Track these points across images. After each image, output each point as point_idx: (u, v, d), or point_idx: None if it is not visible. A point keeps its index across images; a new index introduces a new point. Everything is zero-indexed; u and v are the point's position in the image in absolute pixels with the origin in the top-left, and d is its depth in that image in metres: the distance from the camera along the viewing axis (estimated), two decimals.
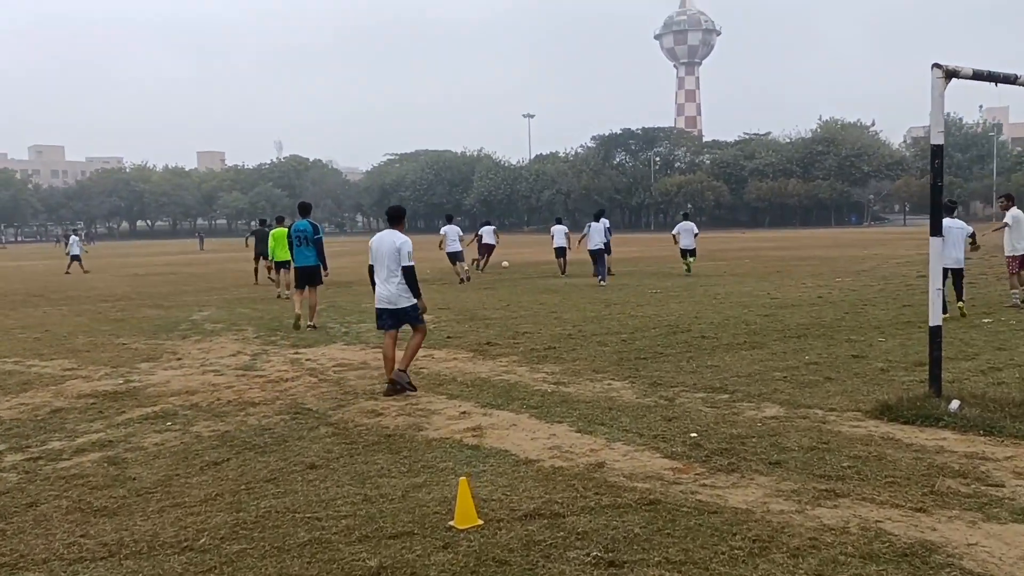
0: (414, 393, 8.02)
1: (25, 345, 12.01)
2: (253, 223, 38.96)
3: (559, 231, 25.47)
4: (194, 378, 9.17)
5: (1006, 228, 13.53)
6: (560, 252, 24.96)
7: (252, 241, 24.06)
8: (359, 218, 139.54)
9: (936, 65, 6.79)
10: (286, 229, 17.39)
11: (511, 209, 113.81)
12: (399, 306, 8.11)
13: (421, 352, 10.28)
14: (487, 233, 27.35)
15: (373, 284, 8.32)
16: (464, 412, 7.25)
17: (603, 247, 21.18)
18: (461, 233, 24.46)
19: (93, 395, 8.33)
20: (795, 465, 5.52)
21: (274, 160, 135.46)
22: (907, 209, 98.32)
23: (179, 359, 10.53)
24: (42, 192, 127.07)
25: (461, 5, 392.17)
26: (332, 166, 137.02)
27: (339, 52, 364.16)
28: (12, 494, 5.33)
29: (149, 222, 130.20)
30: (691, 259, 23.46)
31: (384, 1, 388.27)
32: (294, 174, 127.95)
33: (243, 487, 5.37)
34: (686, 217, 26.80)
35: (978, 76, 7.00)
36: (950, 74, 6.79)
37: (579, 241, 22.49)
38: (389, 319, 8.21)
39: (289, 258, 17.86)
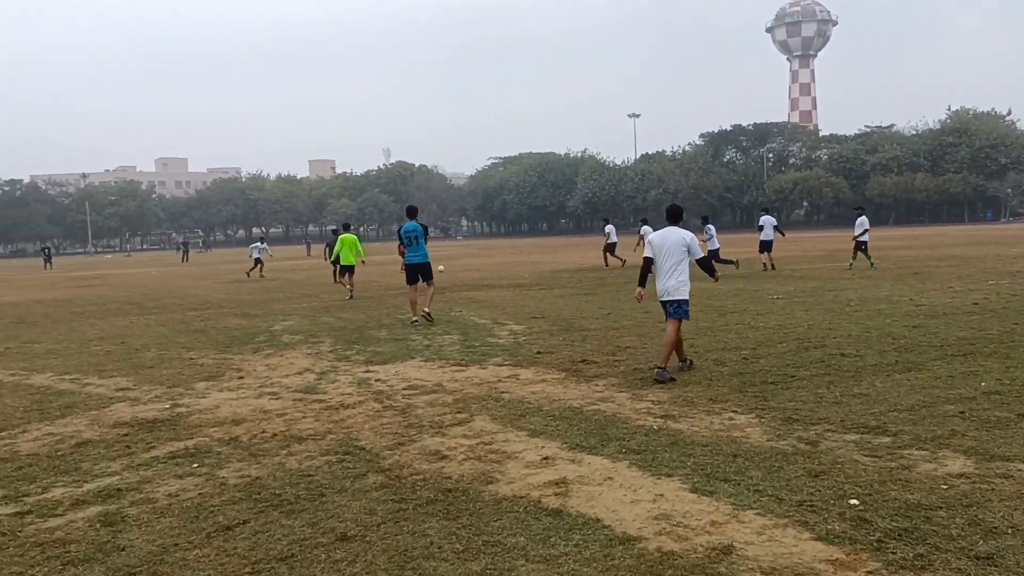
0: (489, 433, 6.63)
1: (93, 360, 11.31)
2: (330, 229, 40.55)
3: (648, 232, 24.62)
4: (247, 403, 8.07)
5: None
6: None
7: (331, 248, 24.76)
8: (463, 222, 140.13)
9: None
10: (353, 235, 19.68)
11: (616, 210, 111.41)
12: (675, 297, 8.57)
13: (504, 372, 8.95)
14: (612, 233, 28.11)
15: (643, 278, 8.84)
16: (547, 458, 5.80)
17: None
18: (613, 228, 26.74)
19: (130, 424, 7.32)
20: (1016, 561, 3.81)
21: (381, 166, 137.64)
22: None
23: (240, 377, 9.51)
24: (165, 202, 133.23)
25: (565, 15, 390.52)
26: (437, 171, 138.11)
27: (448, 63, 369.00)
28: None
29: (263, 229, 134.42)
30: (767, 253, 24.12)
31: (491, 15, 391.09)
32: (400, 180, 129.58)
33: (248, 569, 4.10)
34: (766, 211, 26.96)
35: None
36: None
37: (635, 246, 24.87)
38: (669, 309, 8.68)
39: (353, 262, 18.61)
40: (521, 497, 5.00)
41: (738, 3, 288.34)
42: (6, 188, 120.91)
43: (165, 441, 6.67)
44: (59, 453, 6.42)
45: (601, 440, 6.19)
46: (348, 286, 19.90)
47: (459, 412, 7.26)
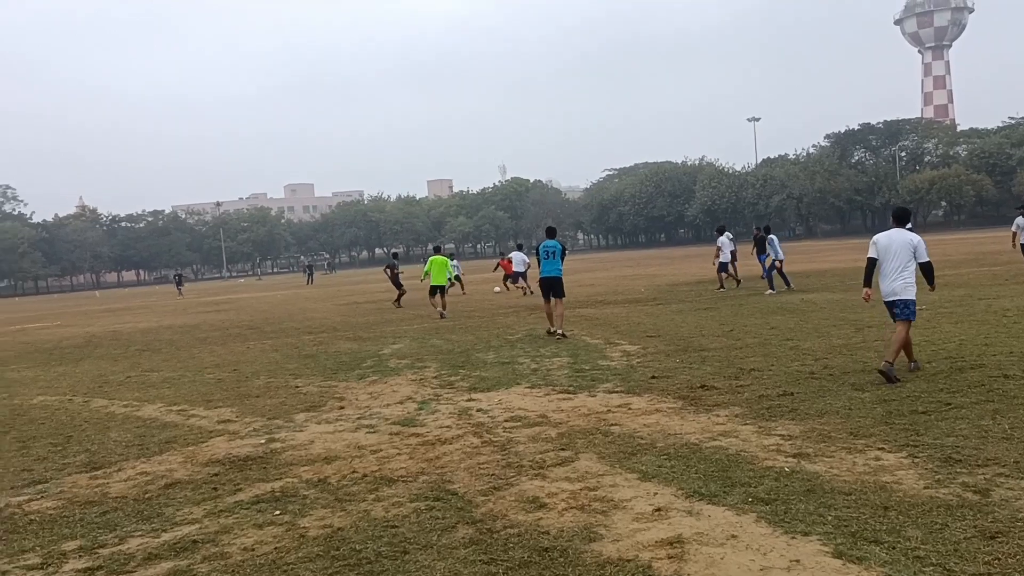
0: (595, 475, 5.94)
1: (203, 389, 11.32)
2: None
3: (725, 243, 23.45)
4: (342, 437, 7.69)
5: None
6: (722, 267, 23.38)
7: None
8: (579, 235, 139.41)
9: None
10: (444, 257, 20.38)
11: (737, 217, 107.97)
12: (902, 297, 8.62)
13: (615, 400, 8.24)
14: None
15: (867, 277, 8.98)
16: (659, 509, 5.06)
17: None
18: (731, 237, 24.01)
19: (222, 462, 7.05)
20: None
21: (497, 183, 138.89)
22: None
23: (341, 408, 9.19)
24: (293, 226, 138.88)
25: (679, 18, 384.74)
26: (552, 185, 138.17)
27: (560, 77, 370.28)
28: None
29: (385, 249, 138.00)
30: None
31: (601, 25, 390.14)
32: (515, 196, 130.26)
33: None
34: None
35: None
36: None
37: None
38: (895, 310, 8.72)
39: (443, 283, 20.01)
40: (628, 560, 4.30)
41: None
42: (150, 219, 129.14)
43: (253, 482, 6.33)
44: (146, 496, 6.18)
45: (723, 486, 5.40)
46: (439, 308, 20.00)
47: (563, 449, 6.61)
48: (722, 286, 22.73)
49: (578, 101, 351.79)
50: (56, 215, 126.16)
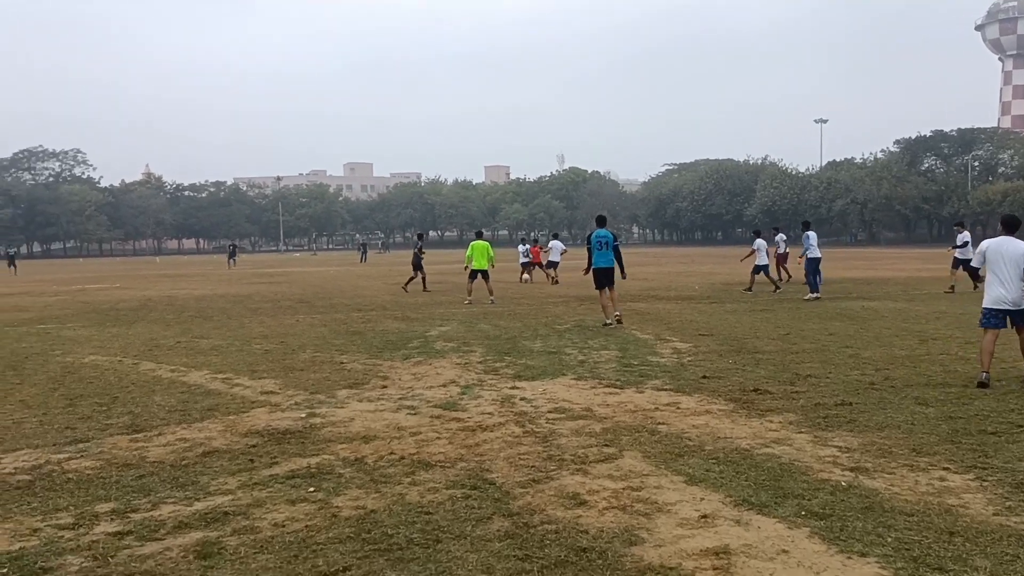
0: (639, 475, 5.71)
1: (250, 359, 11.35)
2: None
3: (761, 245, 22.87)
4: (382, 417, 7.57)
5: None
6: (759, 269, 22.68)
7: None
8: (635, 229, 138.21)
9: None
10: (485, 242, 20.46)
11: (797, 220, 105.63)
12: (1022, 307, 8.54)
13: (664, 398, 7.98)
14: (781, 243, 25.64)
15: (977, 280, 9.02)
16: (706, 516, 4.80)
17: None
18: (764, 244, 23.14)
19: (262, 433, 6.98)
20: None
21: (554, 172, 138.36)
22: None
23: (384, 387, 9.08)
24: (350, 204, 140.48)
25: (748, 15, 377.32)
26: (610, 177, 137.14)
27: (625, 68, 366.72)
28: None
29: (440, 232, 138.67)
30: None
31: (670, 18, 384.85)
32: (572, 186, 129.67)
33: None
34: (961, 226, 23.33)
35: None
36: None
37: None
38: (1007, 318, 8.63)
39: (485, 267, 20.11)
40: (670, 569, 4.07)
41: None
42: (212, 189, 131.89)
43: (290, 456, 6.24)
44: (183, 462, 6.13)
45: (775, 496, 5.12)
46: (470, 295, 20.06)
47: (607, 445, 6.38)
48: (749, 288, 22.35)
49: (641, 95, 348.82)
50: (123, 181, 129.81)
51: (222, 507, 5.08)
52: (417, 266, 24.68)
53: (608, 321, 14.38)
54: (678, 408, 7.68)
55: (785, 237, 26.29)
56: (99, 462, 6.17)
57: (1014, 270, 8.52)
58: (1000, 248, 8.69)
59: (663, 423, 7.08)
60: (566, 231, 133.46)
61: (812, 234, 20.25)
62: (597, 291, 14.86)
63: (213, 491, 5.43)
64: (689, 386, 8.72)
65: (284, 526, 4.75)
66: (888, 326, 13.81)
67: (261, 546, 4.45)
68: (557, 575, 4.02)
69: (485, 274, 20.02)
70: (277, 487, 5.50)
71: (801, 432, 6.70)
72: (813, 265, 19.88)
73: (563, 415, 7.47)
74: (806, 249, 20.16)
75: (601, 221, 15.35)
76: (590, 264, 14.88)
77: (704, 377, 9.22)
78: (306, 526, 4.74)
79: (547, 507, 4.98)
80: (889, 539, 4.39)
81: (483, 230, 23.55)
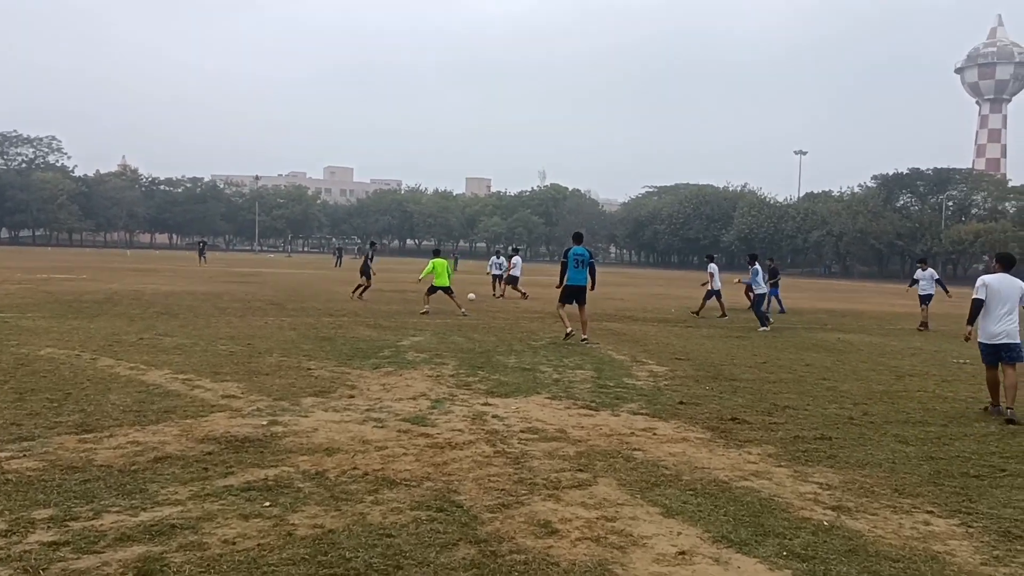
0: (613, 504, 5.45)
1: (213, 360, 10.96)
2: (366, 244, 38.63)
3: (715, 270, 23.13)
4: (348, 428, 7.26)
5: None
6: (714, 294, 22.86)
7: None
8: (612, 249, 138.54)
9: None
10: (443, 260, 20.41)
11: (774, 248, 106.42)
12: (1015, 340, 8.86)
13: (640, 423, 7.75)
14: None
15: (972, 317, 9.18)
16: (683, 552, 4.56)
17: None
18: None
19: (219, 440, 6.64)
20: None
21: (535, 188, 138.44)
22: None
23: (351, 396, 8.76)
24: (329, 208, 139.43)
25: (736, 46, 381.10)
26: (590, 196, 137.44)
27: (609, 91, 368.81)
28: None
29: (417, 241, 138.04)
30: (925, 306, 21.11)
31: (656, 45, 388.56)
32: (552, 202, 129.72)
33: None
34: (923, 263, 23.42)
35: None
36: None
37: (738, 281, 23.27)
38: (1002, 353, 8.93)
39: (447, 284, 20.06)
40: None
41: (924, 42, 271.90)
42: (188, 184, 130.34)
43: (247, 467, 5.91)
44: (133, 467, 5.78)
45: (755, 533, 4.89)
46: (425, 304, 20.18)
47: (580, 470, 6.13)
48: (697, 312, 22.62)
49: (625, 117, 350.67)
50: (97, 171, 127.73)
51: (169, 519, 4.75)
52: (365, 272, 24.74)
53: (569, 330, 14.44)
54: (654, 434, 7.44)
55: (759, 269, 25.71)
56: (43, 463, 5.80)
57: (1010, 304, 8.94)
58: (1000, 285, 9.08)
59: (639, 449, 6.84)
60: (544, 247, 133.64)
61: (759, 268, 19.95)
62: (558, 303, 14.99)
63: (161, 501, 5.09)
64: (666, 411, 8.49)
65: (234, 543, 4.43)
66: (864, 360, 13.71)
67: (207, 565, 4.14)
68: None
69: (448, 290, 19.96)
70: (231, 499, 5.17)
71: (780, 466, 6.49)
72: (760, 300, 19.65)
73: (536, 436, 7.20)
74: (752, 282, 19.86)
75: (578, 238, 15.36)
76: (562, 279, 14.77)
77: (681, 403, 9.01)
78: (258, 544, 4.43)
79: (516, 535, 4.71)
80: None
81: (440, 248, 23.26)
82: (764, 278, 20.10)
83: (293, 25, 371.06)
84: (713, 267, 22.90)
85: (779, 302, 25.19)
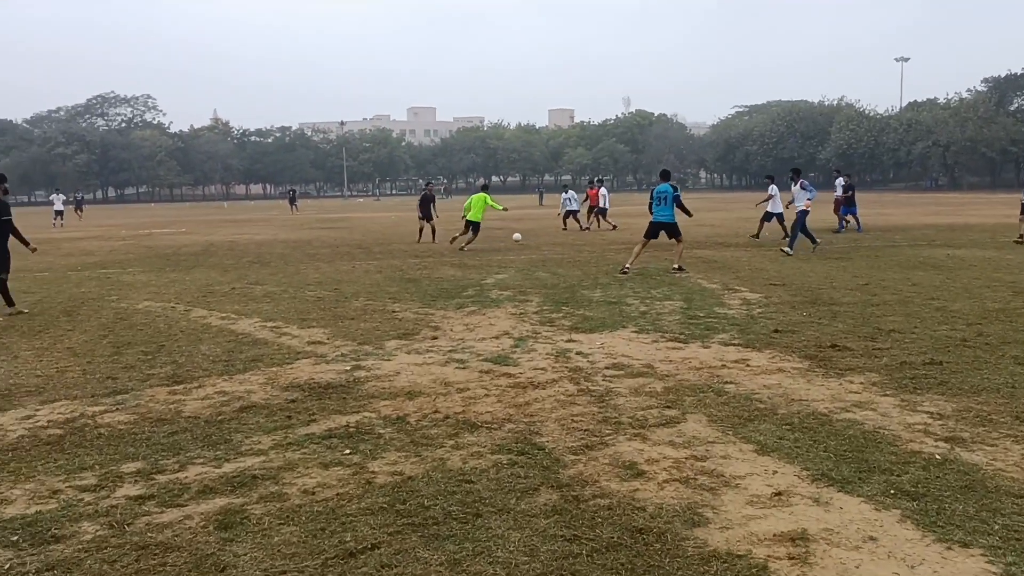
0: (703, 442, 5.17)
1: (301, 306, 11.09)
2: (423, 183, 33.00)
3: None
4: (430, 371, 7.18)
5: None
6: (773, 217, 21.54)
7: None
8: (702, 174, 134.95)
9: None
10: (483, 194, 20.28)
11: (874, 164, 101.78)
12: None
13: (731, 354, 7.40)
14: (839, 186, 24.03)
15: None
16: (779, 493, 4.27)
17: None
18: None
19: (303, 387, 6.66)
20: None
21: (619, 116, 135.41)
22: None
23: (434, 338, 8.69)
24: (413, 149, 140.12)
25: None
26: (677, 120, 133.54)
27: (691, 8, 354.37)
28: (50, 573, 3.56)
29: (502, 177, 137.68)
30: None
31: None
32: (637, 129, 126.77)
33: None
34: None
35: None
36: None
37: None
38: None
39: (479, 220, 20.08)
40: (739, 556, 3.56)
41: None
42: (277, 134, 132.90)
43: (329, 414, 5.89)
44: (219, 418, 5.84)
45: (858, 469, 4.54)
46: (463, 239, 20.10)
47: (668, 407, 5.86)
48: (756, 235, 21.67)
49: (711, 35, 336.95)
50: (191, 126, 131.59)
51: (251, 470, 4.75)
52: (427, 215, 23.04)
53: (628, 267, 14.49)
54: (747, 365, 7.08)
55: (843, 181, 24.31)
56: (134, 416, 5.92)
57: None
58: None
59: (731, 382, 6.52)
60: (631, 175, 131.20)
61: (776, 188, 18.69)
62: (642, 238, 14.85)
63: (244, 451, 5.10)
64: (759, 341, 8.09)
65: (314, 493, 4.39)
66: (977, 276, 12.82)
67: (287, 517, 4.10)
68: (608, 560, 3.56)
69: (476, 226, 20.04)
70: (312, 448, 5.14)
71: (886, 395, 6.06)
72: (802, 218, 17.39)
73: (621, 372, 6.96)
74: (806, 196, 17.66)
75: (665, 175, 15.38)
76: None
77: (776, 331, 8.57)
78: (337, 494, 4.37)
79: (600, 478, 4.51)
80: (996, 526, 3.80)
81: (487, 184, 22.62)
82: (794, 194, 18.19)
83: None
84: (773, 188, 21.70)
85: (856, 220, 23.89)
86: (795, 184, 18.14)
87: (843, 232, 23.03)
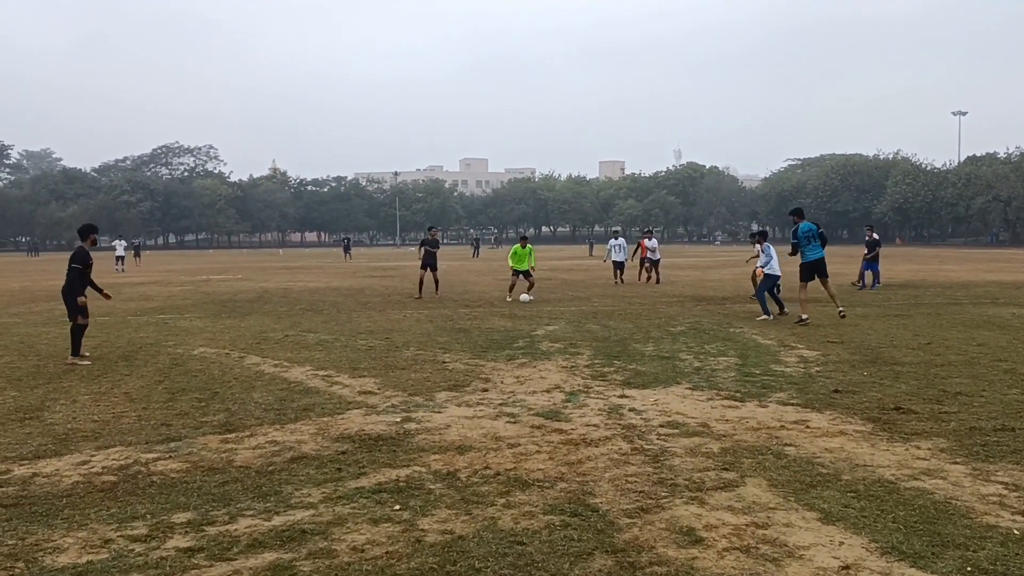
0: (764, 508, 4.98)
1: (353, 356, 11.14)
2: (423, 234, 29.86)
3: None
4: (480, 424, 7.10)
5: None
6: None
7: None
8: (754, 226, 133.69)
9: None
10: (531, 247, 20.69)
11: (932, 218, 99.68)
12: None
13: (790, 414, 7.18)
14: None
15: None
16: (847, 566, 4.06)
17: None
18: None
19: (353, 439, 6.63)
20: None
21: (671, 167, 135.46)
22: None
23: (485, 390, 8.62)
24: (465, 199, 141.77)
25: (878, 1, 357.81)
26: (728, 172, 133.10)
27: (743, 61, 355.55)
28: None
29: (552, 228, 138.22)
30: None
31: (789, 7, 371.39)
32: (688, 181, 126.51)
33: None
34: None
35: None
36: None
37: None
38: None
39: (526, 268, 20.19)
40: None
41: None
42: (333, 184, 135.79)
43: (379, 467, 5.83)
44: (270, 468, 5.82)
45: (930, 543, 4.31)
46: (509, 291, 20.48)
47: (726, 469, 5.67)
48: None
49: (761, 87, 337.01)
50: (251, 175, 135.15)
51: (301, 523, 4.70)
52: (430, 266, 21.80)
53: (804, 316, 14.17)
54: (807, 427, 6.85)
55: (867, 236, 23.32)
56: (186, 464, 5.94)
57: None
58: None
59: (790, 444, 6.30)
60: (681, 227, 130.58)
61: (770, 246, 15.74)
62: (800, 283, 14.54)
63: (295, 504, 5.06)
64: (819, 401, 7.85)
65: (363, 551, 4.31)
66: None
67: (336, 574, 4.02)
68: None
69: (527, 273, 20.40)
70: (362, 502, 5.08)
71: (956, 462, 5.79)
72: (771, 282, 15.54)
73: (676, 430, 6.79)
74: (767, 262, 15.49)
75: (798, 213, 15.10)
76: (796, 254, 14.73)
77: (836, 391, 8.31)
78: (387, 552, 4.29)
79: (657, 544, 4.35)
80: None
81: (527, 236, 22.25)
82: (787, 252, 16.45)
83: (424, 23, 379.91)
84: (764, 246, 18.83)
85: (875, 276, 23.10)
86: (759, 246, 16.27)
87: (863, 289, 22.36)
